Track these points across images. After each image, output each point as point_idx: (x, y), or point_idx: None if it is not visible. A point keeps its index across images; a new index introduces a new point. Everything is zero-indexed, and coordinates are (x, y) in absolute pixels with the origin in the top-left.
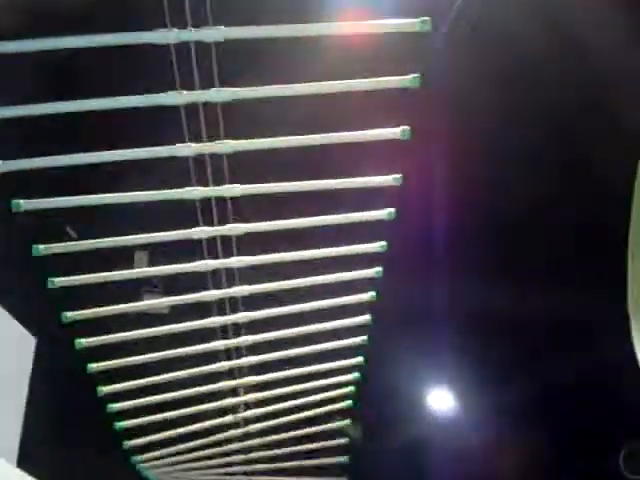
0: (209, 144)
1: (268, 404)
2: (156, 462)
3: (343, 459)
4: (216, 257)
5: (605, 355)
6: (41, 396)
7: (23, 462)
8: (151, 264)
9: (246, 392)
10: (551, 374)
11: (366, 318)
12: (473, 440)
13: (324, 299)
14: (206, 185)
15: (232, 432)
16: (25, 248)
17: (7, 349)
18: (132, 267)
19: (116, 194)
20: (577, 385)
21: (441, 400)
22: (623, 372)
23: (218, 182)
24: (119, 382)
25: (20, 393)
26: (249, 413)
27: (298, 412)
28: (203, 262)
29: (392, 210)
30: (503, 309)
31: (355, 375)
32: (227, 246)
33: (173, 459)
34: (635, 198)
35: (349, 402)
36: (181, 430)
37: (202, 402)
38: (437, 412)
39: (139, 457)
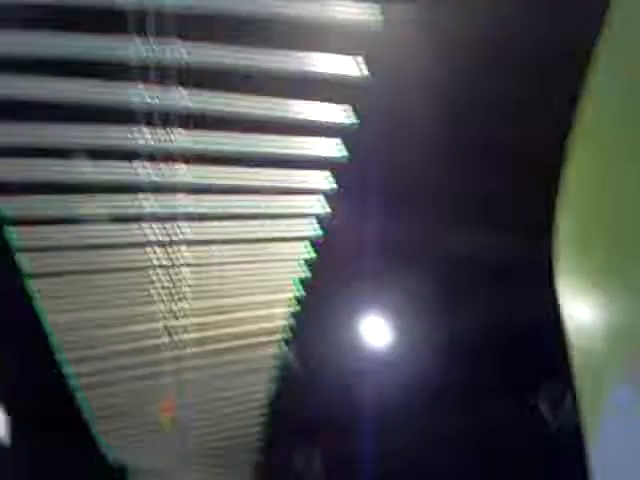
0: None
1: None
2: None
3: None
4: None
5: (529, 297)
6: None
7: None
8: None
9: (180, 299)
10: (480, 312)
11: (307, 250)
12: (405, 373)
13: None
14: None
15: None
16: None
17: None
18: None
19: None
20: (501, 324)
21: (376, 333)
22: (546, 314)
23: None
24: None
25: None
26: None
27: (231, 326)
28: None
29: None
30: (439, 245)
31: (291, 305)
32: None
33: None
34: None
35: (283, 333)
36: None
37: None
38: (371, 345)
39: None
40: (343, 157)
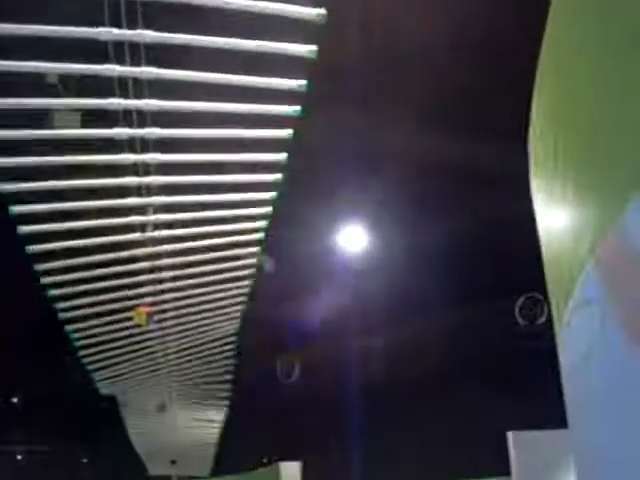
0: None
1: (177, 227)
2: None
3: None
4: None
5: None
6: None
7: None
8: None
9: (155, 212)
10: (461, 219)
11: (282, 156)
12: (381, 278)
13: (241, 131)
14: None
15: (140, 250)
16: None
17: None
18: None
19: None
20: (486, 231)
21: (352, 238)
22: (526, 223)
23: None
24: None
25: None
26: (157, 233)
27: (208, 238)
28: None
29: (313, 49)
30: (420, 155)
31: (267, 209)
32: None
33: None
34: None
35: (260, 236)
36: (86, 242)
37: (110, 215)
38: (348, 250)
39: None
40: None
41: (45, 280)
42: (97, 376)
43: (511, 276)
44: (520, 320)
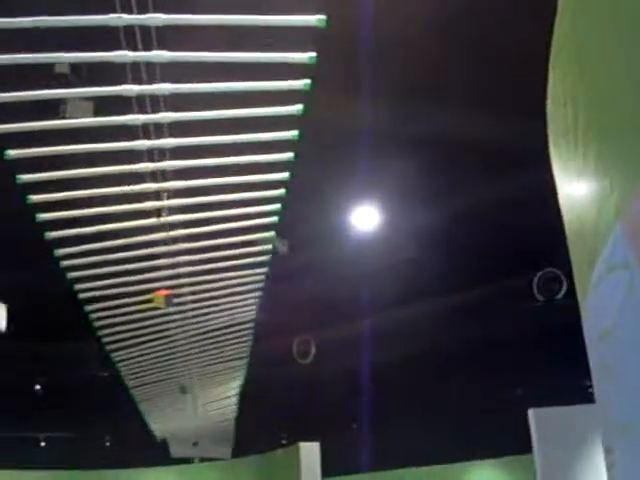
0: None
1: (191, 212)
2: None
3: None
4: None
5: (527, 181)
6: None
7: None
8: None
9: (170, 197)
10: (477, 195)
11: (292, 133)
12: (394, 258)
13: (251, 108)
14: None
15: (157, 235)
16: None
17: None
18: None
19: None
20: (499, 209)
21: (365, 218)
22: (544, 199)
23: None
24: (39, 172)
25: None
26: (173, 218)
27: (223, 222)
28: (122, 53)
29: (322, 17)
30: (433, 132)
31: (281, 191)
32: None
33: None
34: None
35: (274, 218)
36: (104, 227)
37: (126, 202)
38: (361, 230)
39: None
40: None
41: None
42: (116, 359)
43: (528, 252)
44: (538, 296)
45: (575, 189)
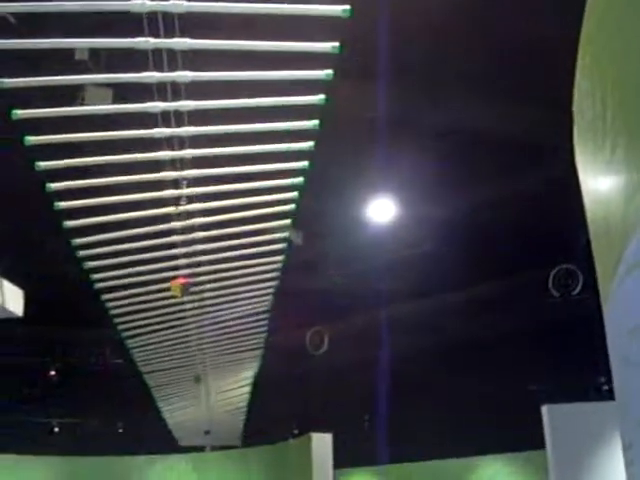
0: None
1: (210, 200)
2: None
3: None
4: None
5: (546, 175)
6: None
7: None
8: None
9: (189, 185)
10: (494, 190)
11: (313, 122)
12: (410, 251)
13: (273, 99)
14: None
15: (174, 224)
16: None
17: None
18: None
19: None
20: (516, 203)
21: (382, 210)
22: (562, 194)
23: None
24: (58, 159)
25: None
26: (191, 206)
27: (240, 210)
28: (143, 39)
29: (347, 7)
30: (452, 124)
31: (299, 180)
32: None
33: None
34: None
35: (291, 206)
36: (122, 216)
37: (143, 190)
38: (377, 222)
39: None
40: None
41: (82, 254)
42: (131, 345)
43: (544, 247)
44: (554, 292)
45: (600, 183)
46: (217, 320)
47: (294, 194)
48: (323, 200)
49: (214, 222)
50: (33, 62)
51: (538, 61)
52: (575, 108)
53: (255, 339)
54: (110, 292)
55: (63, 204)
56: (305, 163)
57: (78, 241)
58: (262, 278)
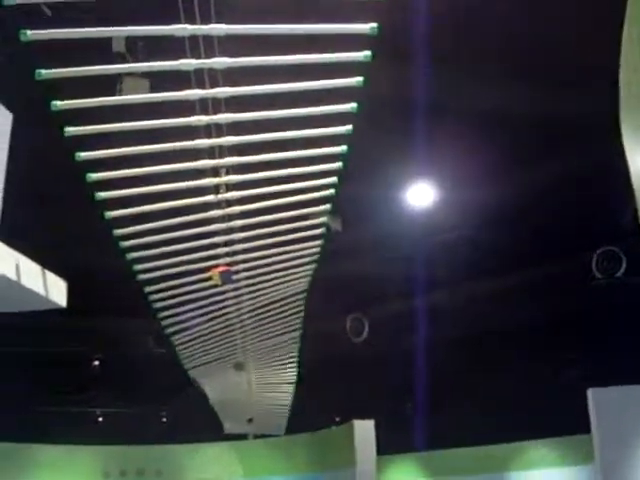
0: None
1: (249, 187)
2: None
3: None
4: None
5: (588, 158)
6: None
7: (2, 235)
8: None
9: (228, 173)
10: (535, 173)
11: (351, 106)
12: (452, 234)
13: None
14: None
15: (215, 212)
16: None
17: None
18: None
19: None
20: (558, 186)
21: (421, 195)
22: (603, 177)
23: None
24: (98, 150)
25: None
26: (230, 195)
27: (279, 197)
28: (181, 26)
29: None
30: (493, 107)
31: (337, 165)
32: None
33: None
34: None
35: (330, 192)
36: (161, 205)
37: (183, 179)
38: (416, 206)
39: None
40: None
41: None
42: (173, 335)
43: (587, 230)
44: (597, 274)
45: None
46: (257, 306)
47: (333, 179)
48: (362, 186)
49: (253, 210)
50: (69, 53)
51: (582, 41)
52: (621, 82)
53: (295, 325)
54: (152, 284)
55: (104, 194)
56: (344, 147)
57: (120, 231)
58: (300, 262)
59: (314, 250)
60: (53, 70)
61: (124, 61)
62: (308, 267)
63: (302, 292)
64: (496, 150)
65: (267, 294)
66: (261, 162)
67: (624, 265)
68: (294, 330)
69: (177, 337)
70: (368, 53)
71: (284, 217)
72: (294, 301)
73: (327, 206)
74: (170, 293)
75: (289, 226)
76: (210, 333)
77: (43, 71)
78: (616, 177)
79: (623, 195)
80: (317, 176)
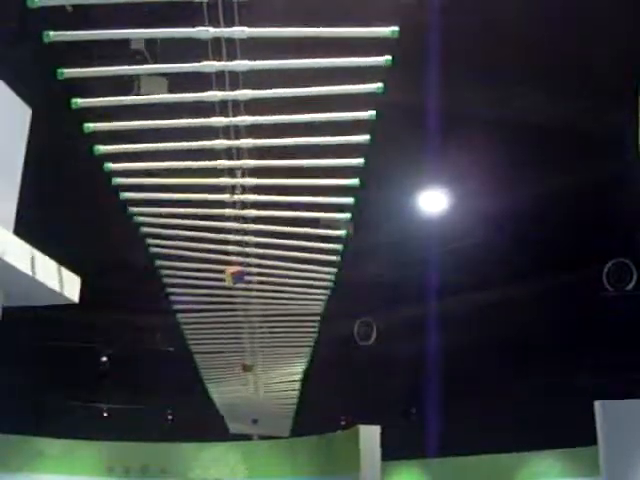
0: None
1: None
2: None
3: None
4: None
5: (600, 168)
6: (37, 166)
7: (19, 230)
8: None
9: (243, 175)
10: (548, 182)
11: (370, 113)
12: (463, 241)
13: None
14: None
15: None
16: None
17: (3, 120)
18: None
19: None
20: (569, 196)
21: (433, 201)
22: (617, 188)
23: None
24: (116, 144)
25: (16, 164)
26: (245, 196)
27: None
28: (204, 28)
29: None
30: (507, 116)
31: (354, 181)
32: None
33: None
34: None
35: (348, 198)
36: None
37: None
38: (431, 212)
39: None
40: None
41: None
42: (186, 332)
43: (598, 241)
44: (608, 286)
45: None
46: (269, 312)
47: (353, 180)
48: (374, 190)
49: (270, 216)
50: (90, 52)
51: (601, 49)
52: None
53: (304, 328)
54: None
55: (128, 194)
56: (361, 160)
57: (146, 230)
58: (318, 279)
59: (329, 277)
60: (74, 70)
61: (142, 58)
62: (324, 283)
63: (312, 296)
64: (510, 159)
65: (276, 298)
66: (279, 166)
67: (635, 278)
68: (304, 335)
69: (188, 335)
70: (389, 57)
71: (300, 217)
72: (308, 321)
73: (347, 215)
74: (183, 291)
75: (305, 243)
76: (221, 333)
77: (65, 70)
78: (631, 188)
79: (637, 207)
80: (334, 190)
